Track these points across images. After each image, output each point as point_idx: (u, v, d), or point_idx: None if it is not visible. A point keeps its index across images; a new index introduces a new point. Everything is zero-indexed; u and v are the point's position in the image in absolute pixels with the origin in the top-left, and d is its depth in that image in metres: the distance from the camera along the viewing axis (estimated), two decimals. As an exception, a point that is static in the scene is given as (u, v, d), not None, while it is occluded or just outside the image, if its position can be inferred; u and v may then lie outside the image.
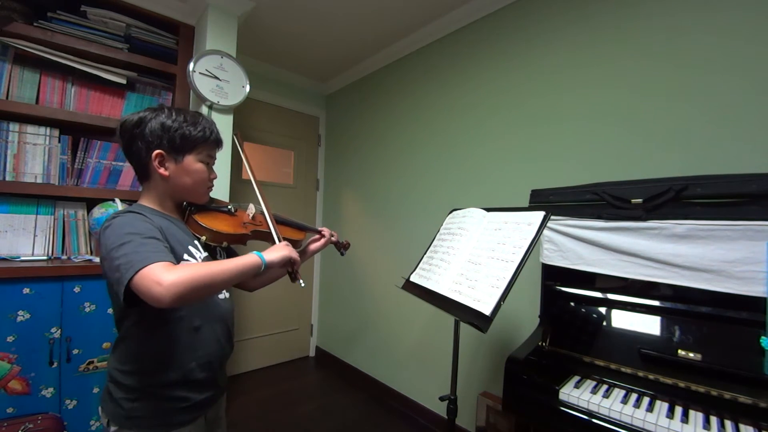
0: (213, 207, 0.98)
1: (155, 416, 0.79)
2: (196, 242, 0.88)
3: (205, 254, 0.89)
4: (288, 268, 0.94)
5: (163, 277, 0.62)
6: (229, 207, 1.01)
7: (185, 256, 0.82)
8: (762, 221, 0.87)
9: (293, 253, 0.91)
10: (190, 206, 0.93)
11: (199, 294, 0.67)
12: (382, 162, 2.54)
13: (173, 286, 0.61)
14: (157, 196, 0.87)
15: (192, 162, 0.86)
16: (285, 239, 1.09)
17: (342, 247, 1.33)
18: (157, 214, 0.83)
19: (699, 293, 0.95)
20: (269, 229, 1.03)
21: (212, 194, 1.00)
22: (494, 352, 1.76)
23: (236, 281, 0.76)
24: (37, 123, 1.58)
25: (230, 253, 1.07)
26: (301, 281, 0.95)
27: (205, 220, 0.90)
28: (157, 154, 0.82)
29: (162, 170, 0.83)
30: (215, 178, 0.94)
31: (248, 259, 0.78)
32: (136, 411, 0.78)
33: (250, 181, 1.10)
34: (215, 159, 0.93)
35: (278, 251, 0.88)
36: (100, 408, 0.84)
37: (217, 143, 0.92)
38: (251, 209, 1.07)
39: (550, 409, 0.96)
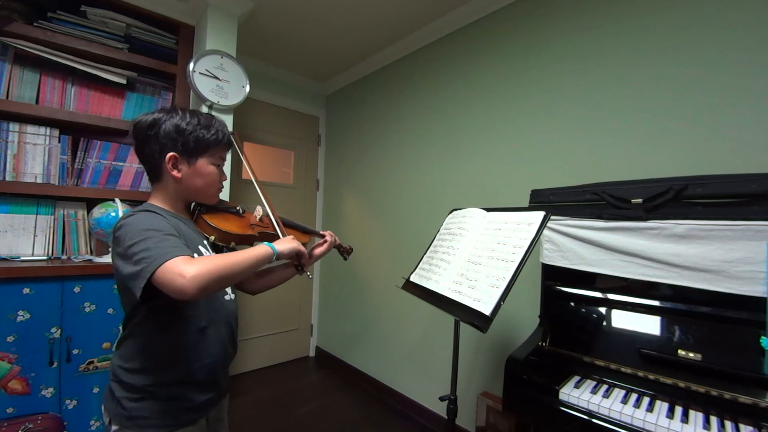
0: (222, 208, 1.00)
1: (157, 416, 0.79)
2: (204, 242, 0.89)
3: (213, 255, 0.89)
4: (295, 261, 1.00)
5: (185, 269, 0.63)
6: (238, 208, 1.03)
7: (195, 256, 0.82)
8: (762, 221, 0.87)
9: (300, 246, 0.94)
10: (199, 206, 0.94)
11: (221, 284, 0.69)
12: (382, 162, 2.54)
13: (197, 278, 0.63)
14: (168, 197, 0.88)
15: (204, 165, 0.87)
16: None
17: (345, 251, 1.33)
18: (169, 214, 0.84)
19: (699, 293, 0.95)
20: (275, 231, 1.04)
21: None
22: (494, 352, 1.76)
23: (253, 270, 0.78)
24: (37, 123, 1.58)
25: None
26: (309, 273, 1.01)
27: (215, 220, 0.92)
28: (170, 157, 0.83)
29: (175, 172, 0.84)
30: (225, 179, 0.95)
31: (261, 249, 0.81)
32: (138, 411, 0.78)
33: (252, 183, 1.11)
34: (225, 161, 0.95)
35: (287, 243, 0.90)
36: (102, 407, 0.84)
37: (229, 145, 0.94)
38: (258, 211, 1.09)
39: (550, 409, 0.96)
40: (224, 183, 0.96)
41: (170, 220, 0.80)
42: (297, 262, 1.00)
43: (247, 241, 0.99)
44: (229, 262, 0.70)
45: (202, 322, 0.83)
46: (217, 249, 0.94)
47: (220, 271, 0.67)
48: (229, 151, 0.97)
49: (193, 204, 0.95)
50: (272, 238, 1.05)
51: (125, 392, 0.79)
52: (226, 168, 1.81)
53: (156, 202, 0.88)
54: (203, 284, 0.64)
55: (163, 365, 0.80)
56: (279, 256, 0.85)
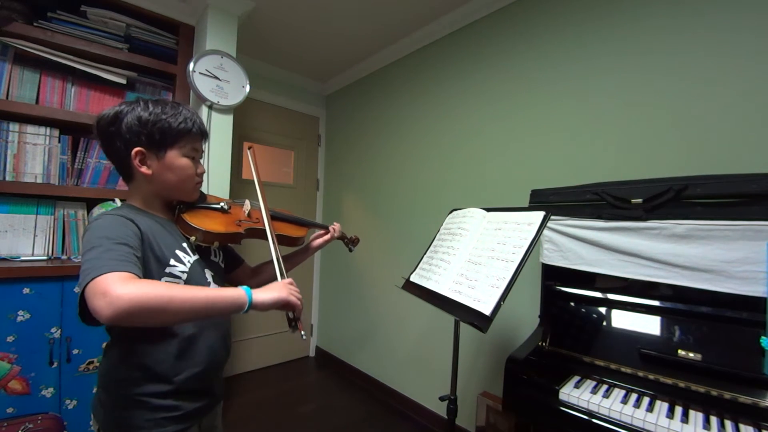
0: (204, 205, 0.93)
1: (146, 425, 0.76)
2: (185, 245, 0.83)
3: (195, 257, 0.85)
4: (287, 312, 0.79)
5: (112, 287, 0.56)
6: (222, 204, 0.95)
7: (172, 261, 0.78)
8: (762, 221, 0.87)
9: (291, 296, 0.77)
10: (179, 204, 0.88)
11: (148, 318, 0.59)
12: (382, 162, 2.54)
13: (118, 300, 0.55)
14: (142, 197, 0.83)
15: (175, 157, 0.80)
16: (281, 236, 1.05)
17: (351, 242, 1.28)
18: (145, 215, 0.79)
19: (699, 293, 0.95)
20: (265, 227, 0.97)
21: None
22: (494, 352, 1.76)
23: (205, 315, 0.67)
24: (37, 123, 1.58)
25: (228, 254, 1.04)
26: (303, 333, 0.79)
27: (195, 219, 0.85)
28: (136, 152, 0.76)
29: (144, 169, 0.78)
30: (203, 172, 0.88)
31: (229, 293, 0.69)
32: (126, 419, 0.75)
33: (250, 181, 1.09)
34: (201, 152, 0.88)
35: (272, 291, 0.75)
36: (92, 414, 0.82)
37: (202, 135, 0.85)
38: (247, 205, 1.02)
39: (550, 409, 0.96)
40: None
41: (143, 224, 0.75)
42: (290, 314, 0.79)
43: (233, 239, 0.92)
44: (172, 295, 0.60)
45: (188, 330, 0.79)
46: (200, 250, 0.88)
47: (152, 302, 0.57)
48: (206, 141, 0.88)
49: (174, 202, 0.88)
50: (262, 234, 0.98)
51: (113, 400, 0.77)
52: (222, 165, 1.82)
53: (133, 202, 0.83)
54: (122, 310, 0.54)
55: (149, 374, 0.76)
56: (255, 306, 0.70)
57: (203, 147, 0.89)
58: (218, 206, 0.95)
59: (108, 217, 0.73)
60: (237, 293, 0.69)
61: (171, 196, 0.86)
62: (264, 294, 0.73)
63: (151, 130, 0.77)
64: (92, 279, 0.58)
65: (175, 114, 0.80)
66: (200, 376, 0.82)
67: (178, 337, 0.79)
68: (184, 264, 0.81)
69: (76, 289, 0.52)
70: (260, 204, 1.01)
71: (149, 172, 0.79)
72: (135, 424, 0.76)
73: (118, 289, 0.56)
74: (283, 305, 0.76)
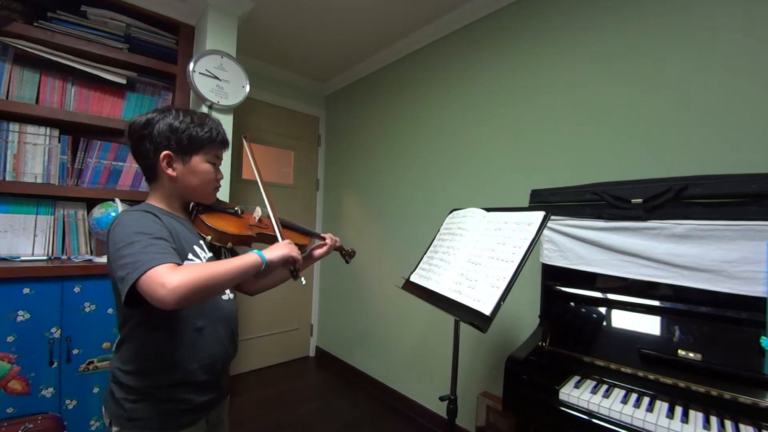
0: (220, 208, 1.00)
1: (156, 418, 0.80)
2: (201, 242, 0.89)
3: (209, 254, 0.90)
4: (290, 266, 0.92)
5: (167, 279, 0.63)
6: (236, 209, 1.02)
7: (190, 256, 0.83)
8: (762, 221, 0.87)
9: (293, 252, 0.89)
10: (197, 206, 0.94)
11: (202, 295, 0.68)
12: (382, 162, 2.54)
13: (178, 288, 0.62)
14: (164, 196, 0.88)
15: (199, 162, 0.87)
16: None
17: (347, 255, 1.34)
18: (166, 214, 0.85)
19: (699, 293, 0.95)
20: (274, 232, 1.03)
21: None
22: (494, 352, 1.76)
23: (238, 280, 0.76)
24: (37, 123, 1.58)
25: (234, 255, 1.07)
26: (302, 279, 0.94)
27: (212, 220, 0.92)
28: (164, 155, 0.83)
29: (170, 171, 0.84)
30: (222, 178, 0.95)
31: (249, 258, 0.78)
32: (137, 412, 0.78)
33: (253, 182, 1.12)
34: (222, 160, 0.95)
35: (278, 249, 0.86)
36: (103, 408, 0.85)
37: (224, 144, 0.93)
38: (258, 212, 1.08)
39: (550, 409, 0.96)
40: (223, 182, 0.96)
41: (165, 221, 0.80)
42: (291, 267, 0.94)
43: (245, 241, 0.98)
44: (213, 272, 0.69)
45: (198, 322, 0.83)
46: (214, 249, 0.94)
47: (202, 281, 0.66)
48: (226, 150, 0.96)
49: (191, 204, 0.95)
50: (271, 239, 1.04)
51: (124, 394, 0.79)
52: (225, 167, 1.82)
53: (153, 201, 0.88)
54: (183, 295, 0.63)
55: (160, 367, 0.80)
56: (269, 264, 0.82)
57: (224, 156, 0.96)
58: (233, 210, 1.02)
59: (134, 213, 0.78)
60: (254, 257, 0.79)
61: (191, 198, 0.92)
62: (273, 253, 0.84)
63: (181, 136, 0.84)
64: (144, 272, 0.64)
65: (202, 124, 0.87)
66: (210, 368, 0.85)
67: (189, 329, 0.82)
68: (201, 259, 0.86)
69: (123, 275, 0.60)
70: (267, 204, 1.06)
71: (174, 174, 0.85)
72: (146, 416, 0.79)
73: (173, 279, 0.63)
74: (288, 260, 0.88)
